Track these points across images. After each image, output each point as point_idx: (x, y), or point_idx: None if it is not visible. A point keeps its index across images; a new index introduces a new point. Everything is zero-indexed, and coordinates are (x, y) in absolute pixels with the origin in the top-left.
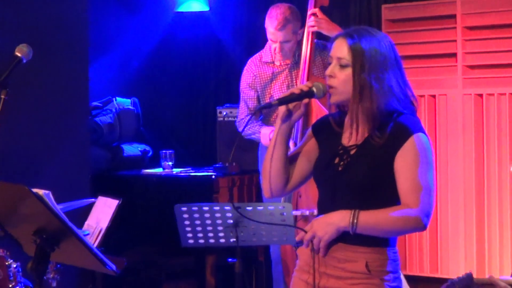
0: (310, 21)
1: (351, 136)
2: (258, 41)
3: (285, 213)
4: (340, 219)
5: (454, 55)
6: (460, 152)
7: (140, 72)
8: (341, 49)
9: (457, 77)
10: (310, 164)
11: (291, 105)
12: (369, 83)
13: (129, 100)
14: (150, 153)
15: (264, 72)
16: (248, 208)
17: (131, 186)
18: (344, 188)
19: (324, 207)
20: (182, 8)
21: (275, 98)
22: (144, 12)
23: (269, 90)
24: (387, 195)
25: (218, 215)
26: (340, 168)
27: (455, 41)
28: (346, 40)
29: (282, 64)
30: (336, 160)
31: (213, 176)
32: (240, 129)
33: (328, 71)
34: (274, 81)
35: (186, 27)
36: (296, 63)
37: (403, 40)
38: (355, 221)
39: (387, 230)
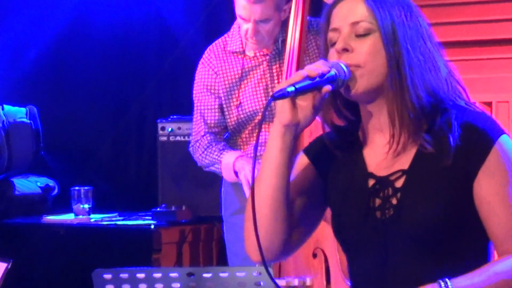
0: None
1: (386, 159)
2: (221, 21)
3: (262, 283)
4: None
5: None
6: None
7: (40, 68)
8: (353, 10)
9: None
10: (316, 206)
11: (301, 101)
12: (405, 58)
13: (23, 110)
14: (56, 191)
15: (230, 67)
16: (205, 274)
17: (26, 240)
18: (404, 247)
19: (368, 278)
20: None
21: (248, 106)
22: None
23: (237, 95)
24: (472, 242)
25: (159, 285)
26: (387, 215)
27: None
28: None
29: (258, 54)
30: (375, 203)
31: (152, 227)
32: (195, 156)
33: (340, 43)
34: (245, 81)
35: (110, 1)
36: (278, 54)
37: (440, 19)
38: None
39: None
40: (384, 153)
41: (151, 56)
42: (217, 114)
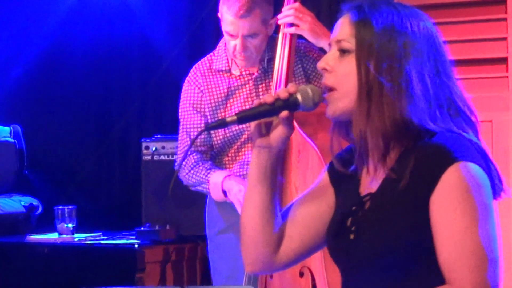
0: (285, 16)
1: (368, 181)
2: (206, 40)
3: None
4: None
5: (503, 60)
6: None
7: (24, 86)
8: (342, 28)
9: (508, 95)
10: (322, 223)
11: (264, 125)
12: (377, 80)
13: (7, 129)
14: (39, 210)
15: (215, 86)
16: None
17: (10, 259)
18: (363, 267)
19: None
20: None
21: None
22: None
23: (223, 113)
24: (432, 267)
25: None
26: (352, 236)
27: (505, 39)
28: (350, 15)
29: (244, 73)
30: (349, 222)
31: (136, 246)
32: (181, 175)
33: (321, 63)
34: (231, 99)
35: (96, 18)
36: (265, 73)
37: None
38: None
39: None
40: (371, 175)
41: (135, 75)
42: (203, 133)
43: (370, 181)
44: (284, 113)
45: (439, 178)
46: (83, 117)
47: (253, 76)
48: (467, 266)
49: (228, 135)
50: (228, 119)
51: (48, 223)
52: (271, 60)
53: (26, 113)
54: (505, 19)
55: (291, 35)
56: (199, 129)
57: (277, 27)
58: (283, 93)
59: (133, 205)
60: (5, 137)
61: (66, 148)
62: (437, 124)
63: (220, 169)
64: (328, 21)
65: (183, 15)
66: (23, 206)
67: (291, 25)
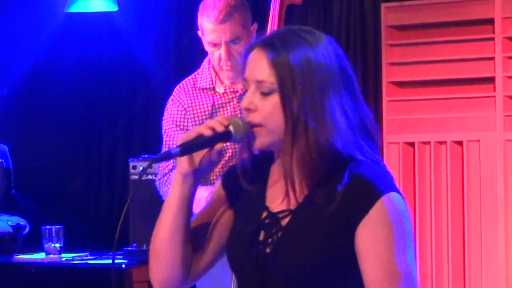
0: None
1: (282, 196)
2: (193, 60)
3: None
4: None
5: (491, 80)
6: (501, 219)
7: (11, 105)
8: (259, 67)
9: (496, 114)
10: (224, 233)
11: (198, 154)
12: (302, 117)
13: None
14: (27, 230)
15: (200, 104)
16: None
17: None
18: (278, 282)
19: None
20: (77, 8)
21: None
22: (17, 13)
23: None
24: (350, 284)
25: None
26: (268, 249)
27: (493, 59)
28: (265, 53)
29: (228, 91)
30: (261, 236)
31: (124, 266)
32: (161, 190)
33: (244, 102)
34: (215, 117)
35: (82, 37)
36: None
37: (412, 57)
38: None
39: None
40: (283, 189)
41: (122, 95)
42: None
43: (280, 199)
44: (219, 145)
45: (367, 211)
46: (70, 137)
47: (237, 94)
48: (394, 286)
49: None
50: (173, 152)
51: (35, 243)
52: None
53: (13, 132)
54: (492, 39)
55: None
56: None
57: None
58: (218, 126)
59: (121, 226)
60: None
61: (53, 168)
62: (360, 151)
63: (204, 185)
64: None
65: (170, 35)
66: (10, 226)
67: None
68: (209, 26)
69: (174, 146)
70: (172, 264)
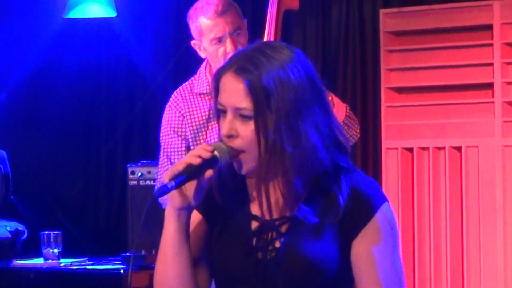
0: None
1: (271, 204)
2: (192, 66)
3: None
4: None
5: (489, 86)
6: (500, 224)
7: (10, 111)
8: (236, 94)
9: (494, 120)
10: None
11: (188, 186)
12: (279, 142)
13: None
14: (25, 235)
15: (197, 109)
16: None
17: None
18: (281, 286)
19: None
20: (76, 14)
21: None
22: (16, 20)
23: (205, 136)
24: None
25: None
26: (269, 256)
27: (491, 64)
28: (241, 79)
29: None
30: (257, 244)
31: (122, 271)
32: (160, 199)
33: (225, 130)
34: (212, 123)
35: (81, 43)
36: None
37: (411, 63)
38: None
39: None
40: (271, 199)
41: (121, 101)
42: (183, 156)
43: (269, 207)
44: (209, 172)
45: (364, 225)
46: (69, 142)
47: None
48: None
49: None
50: (169, 185)
51: (34, 248)
52: None
53: (12, 138)
54: (491, 45)
55: None
56: (179, 153)
57: None
58: (204, 152)
59: (119, 230)
60: None
61: (52, 174)
62: (341, 161)
63: None
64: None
65: (169, 40)
66: (9, 231)
67: None
68: (209, 22)
69: (169, 181)
70: None
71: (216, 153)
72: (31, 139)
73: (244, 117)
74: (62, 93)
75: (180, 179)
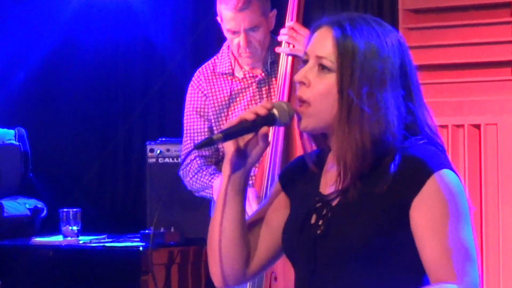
0: (282, 35)
1: (333, 180)
2: (210, 44)
3: None
4: None
5: (508, 63)
6: None
7: (29, 90)
8: (323, 43)
9: None
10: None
11: (242, 141)
12: (359, 104)
13: (12, 132)
14: (44, 213)
15: (219, 89)
16: None
17: (15, 262)
18: (330, 261)
19: (300, 286)
20: None
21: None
22: (32, 0)
23: (227, 117)
24: (404, 264)
25: None
26: (319, 231)
27: (510, 42)
28: (332, 31)
29: (247, 76)
30: (313, 219)
31: (141, 248)
32: (185, 180)
33: (299, 76)
34: (234, 103)
35: (99, 23)
36: (268, 75)
37: (429, 41)
38: None
39: None
40: (336, 175)
41: (139, 78)
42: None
43: (332, 183)
44: (264, 129)
45: (419, 189)
46: (87, 120)
47: (257, 79)
48: (454, 263)
49: None
50: (215, 137)
51: (53, 226)
52: (274, 63)
53: (31, 116)
54: (509, 23)
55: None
56: (202, 134)
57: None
58: (261, 109)
59: (137, 208)
60: (9, 140)
61: (71, 151)
62: (410, 139)
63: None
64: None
65: (187, 19)
66: (28, 209)
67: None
68: (228, 14)
69: (217, 133)
70: (230, 259)
71: (274, 111)
72: (50, 117)
73: (323, 68)
74: (80, 71)
75: (228, 133)
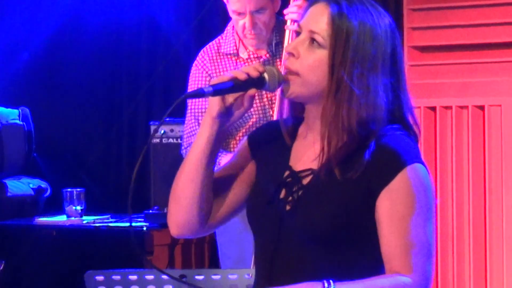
0: (289, 13)
1: (306, 156)
2: (215, 24)
3: None
4: None
5: None
6: None
7: (33, 69)
8: (318, 19)
9: None
10: (244, 189)
11: (230, 97)
12: (349, 83)
13: (15, 111)
14: (48, 193)
15: (223, 70)
16: (198, 277)
17: (19, 241)
18: (294, 238)
19: (263, 266)
20: None
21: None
22: None
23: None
24: (365, 252)
25: (151, 287)
26: (287, 207)
27: None
28: (329, 7)
29: (252, 57)
30: (282, 194)
31: (145, 228)
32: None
33: (289, 47)
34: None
35: (103, 3)
36: (273, 56)
37: (434, 22)
38: None
39: None
40: (308, 150)
41: (143, 59)
42: None
43: (304, 158)
44: (252, 90)
45: (390, 180)
46: (91, 100)
47: (261, 60)
48: (412, 256)
49: None
50: (205, 89)
51: (56, 206)
52: (279, 44)
53: (35, 95)
54: None
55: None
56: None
57: (283, 8)
58: (253, 71)
59: (141, 188)
60: (13, 119)
61: (75, 131)
62: (388, 127)
63: (228, 152)
64: None
65: None
66: (32, 188)
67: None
68: None
69: (207, 86)
70: (191, 207)
71: (265, 75)
72: (54, 97)
73: (314, 42)
74: (85, 52)
75: (219, 87)
